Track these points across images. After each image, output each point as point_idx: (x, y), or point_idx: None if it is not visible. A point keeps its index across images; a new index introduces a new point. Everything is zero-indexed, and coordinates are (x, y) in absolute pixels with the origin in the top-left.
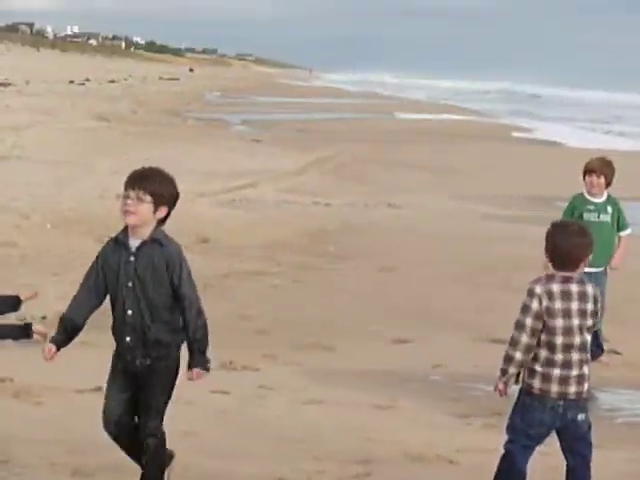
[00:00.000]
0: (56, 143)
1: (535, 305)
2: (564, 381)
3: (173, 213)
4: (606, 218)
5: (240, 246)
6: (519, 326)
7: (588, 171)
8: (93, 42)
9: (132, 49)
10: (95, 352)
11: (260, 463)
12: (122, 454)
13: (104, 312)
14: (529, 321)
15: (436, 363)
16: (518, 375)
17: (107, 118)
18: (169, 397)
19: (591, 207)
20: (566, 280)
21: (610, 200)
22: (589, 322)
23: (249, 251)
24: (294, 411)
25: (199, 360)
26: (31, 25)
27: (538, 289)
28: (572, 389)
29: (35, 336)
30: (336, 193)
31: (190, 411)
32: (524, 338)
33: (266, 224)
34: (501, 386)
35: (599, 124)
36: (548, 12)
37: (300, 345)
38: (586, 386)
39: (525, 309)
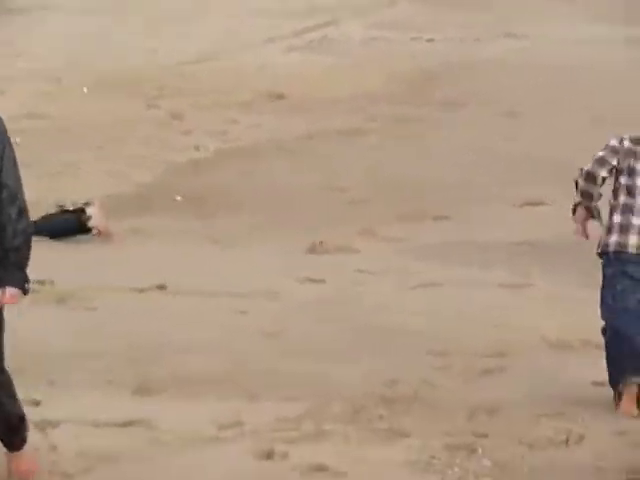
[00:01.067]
0: None
1: (614, 142)
2: None
3: (238, 64)
4: None
5: (323, 99)
6: (592, 159)
7: None
8: None
9: None
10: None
11: (366, 363)
12: (200, 363)
13: None
14: (601, 152)
15: None
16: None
17: None
18: None
19: None
20: None
21: None
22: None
23: (335, 105)
24: (403, 298)
25: (15, 276)
26: None
27: (625, 141)
28: None
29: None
30: (439, 25)
31: (274, 306)
32: (589, 165)
33: (354, 70)
34: (576, 227)
35: None
36: None
37: (405, 216)
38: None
39: (605, 147)
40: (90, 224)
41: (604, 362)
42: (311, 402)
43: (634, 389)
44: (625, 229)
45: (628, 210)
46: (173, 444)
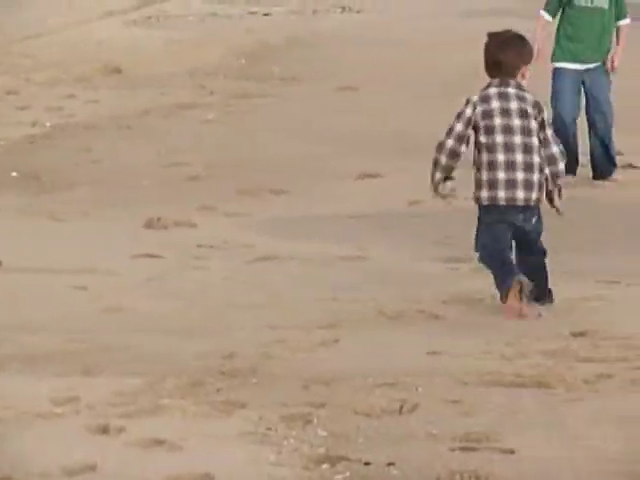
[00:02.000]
0: None
1: (468, 111)
2: (510, 185)
3: (75, 38)
4: (601, 3)
5: (162, 74)
6: (448, 131)
7: None
8: None
9: None
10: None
11: (207, 337)
12: (40, 341)
13: None
14: (459, 127)
15: (413, 199)
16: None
17: None
18: None
19: None
20: (504, 84)
21: None
22: (533, 124)
23: (173, 80)
24: (243, 272)
25: None
26: None
27: (474, 97)
28: (520, 195)
29: None
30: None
31: (114, 282)
32: (450, 142)
33: (192, 45)
34: (433, 194)
35: None
36: None
37: (244, 191)
38: (535, 194)
39: (458, 115)
40: None
41: (439, 332)
42: (149, 377)
43: (515, 289)
44: (493, 184)
45: (492, 167)
46: (9, 420)
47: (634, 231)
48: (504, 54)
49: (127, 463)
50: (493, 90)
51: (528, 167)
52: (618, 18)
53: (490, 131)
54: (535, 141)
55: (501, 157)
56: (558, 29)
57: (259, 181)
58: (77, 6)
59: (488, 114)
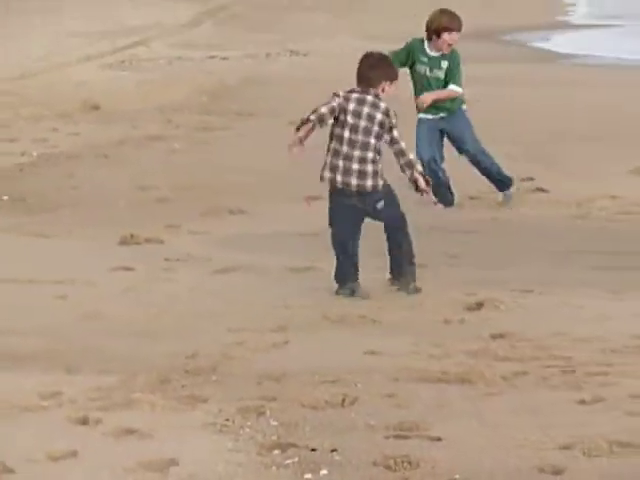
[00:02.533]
0: None
1: (334, 102)
2: (346, 172)
3: (57, 79)
4: (437, 74)
5: (134, 111)
6: (313, 110)
7: (448, 29)
8: None
9: None
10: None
11: (173, 340)
12: (28, 344)
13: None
14: (323, 108)
15: None
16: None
17: None
18: None
19: (424, 59)
20: (364, 92)
21: (447, 55)
22: (376, 128)
23: (144, 115)
24: (205, 282)
25: None
26: None
27: (341, 92)
28: (354, 182)
29: None
30: (234, 45)
31: (91, 292)
32: (313, 114)
33: (160, 85)
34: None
35: None
36: None
37: (206, 212)
38: (369, 182)
39: (325, 102)
40: None
41: (376, 334)
42: (122, 375)
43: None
44: (333, 169)
45: (336, 155)
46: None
47: (544, 246)
48: (372, 71)
49: (104, 450)
50: (355, 95)
51: (362, 160)
52: (449, 83)
53: (342, 126)
54: (373, 141)
55: (344, 149)
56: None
57: (219, 203)
58: (58, 51)
59: (344, 111)
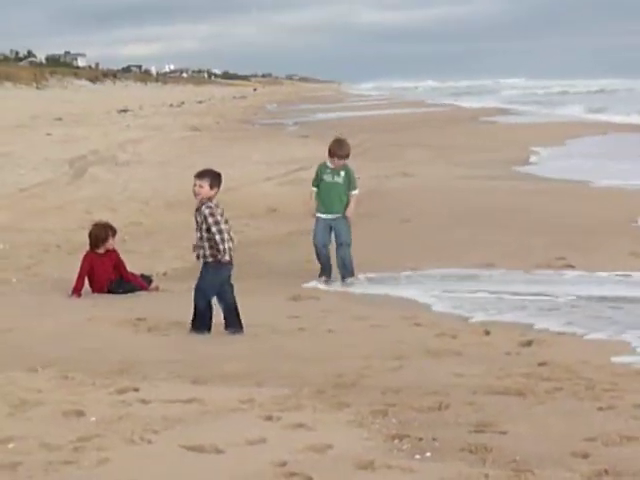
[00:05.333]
0: (163, 149)
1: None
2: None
3: (249, 192)
4: (338, 180)
5: (298, 213)
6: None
7: (337, 155)
8: (185, 75)
9: (212, 78)
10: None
11: (326, 363)
12: (232, 366)
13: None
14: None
15: None
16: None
17: (198, 128)
18: None
19: (328, 171)
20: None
21: (343, 167)
22: (204, 226)
23: (305, 217)
24: (346, 325)
25: None
26: (139, 67)
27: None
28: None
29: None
30: (364, 169)
31: (275, 330)
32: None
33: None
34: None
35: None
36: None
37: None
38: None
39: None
40: None
41: (461, 362)
42: (293, 387)
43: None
44: None
45: None
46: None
47: None
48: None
49: (283, 438)
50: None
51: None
52: (349, 189)
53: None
54: None
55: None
56: (317, 194)
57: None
58: (249, 174)
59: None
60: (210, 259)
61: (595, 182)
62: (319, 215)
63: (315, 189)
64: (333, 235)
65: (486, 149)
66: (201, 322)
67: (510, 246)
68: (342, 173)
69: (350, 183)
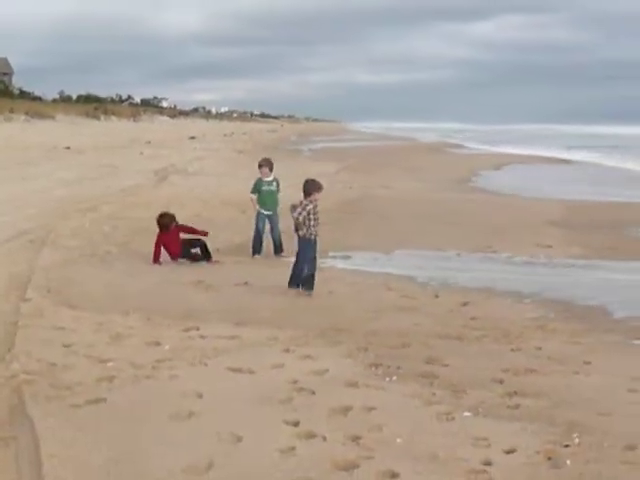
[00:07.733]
0: (218, 165)
1: (309, 207)
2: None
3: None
4: (272, 188)
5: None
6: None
7: (261, 165)
8: (235, 115)
9: (253, 117)
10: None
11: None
12: (263, 314)
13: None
14: (298, 210)
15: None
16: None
17: (242, 151)
18: None
19: (265, 183)
20: (306, 199)
21: (274, 179)
22: (303, 214)
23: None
24: None
25: None
26: (204, 108)
27: (310, 204)
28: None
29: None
30: (356, 181)
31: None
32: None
33: (326, 198)
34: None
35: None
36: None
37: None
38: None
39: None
40: None
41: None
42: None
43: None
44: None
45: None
46: None
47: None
48: (313, 188)
49: (299, 364)
50: (304, 201)
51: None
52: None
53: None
54: (300, 219)
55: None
56: (259, 198)
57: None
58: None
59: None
60: (313, 236)
61: (520, 194)
62: (261, 210)
63: (253, 195)
64: (267, 224)
65: (441, 171)
66: (312, 282)
67: (454, 236)
68: (274, 183)
69: (278, 189)
